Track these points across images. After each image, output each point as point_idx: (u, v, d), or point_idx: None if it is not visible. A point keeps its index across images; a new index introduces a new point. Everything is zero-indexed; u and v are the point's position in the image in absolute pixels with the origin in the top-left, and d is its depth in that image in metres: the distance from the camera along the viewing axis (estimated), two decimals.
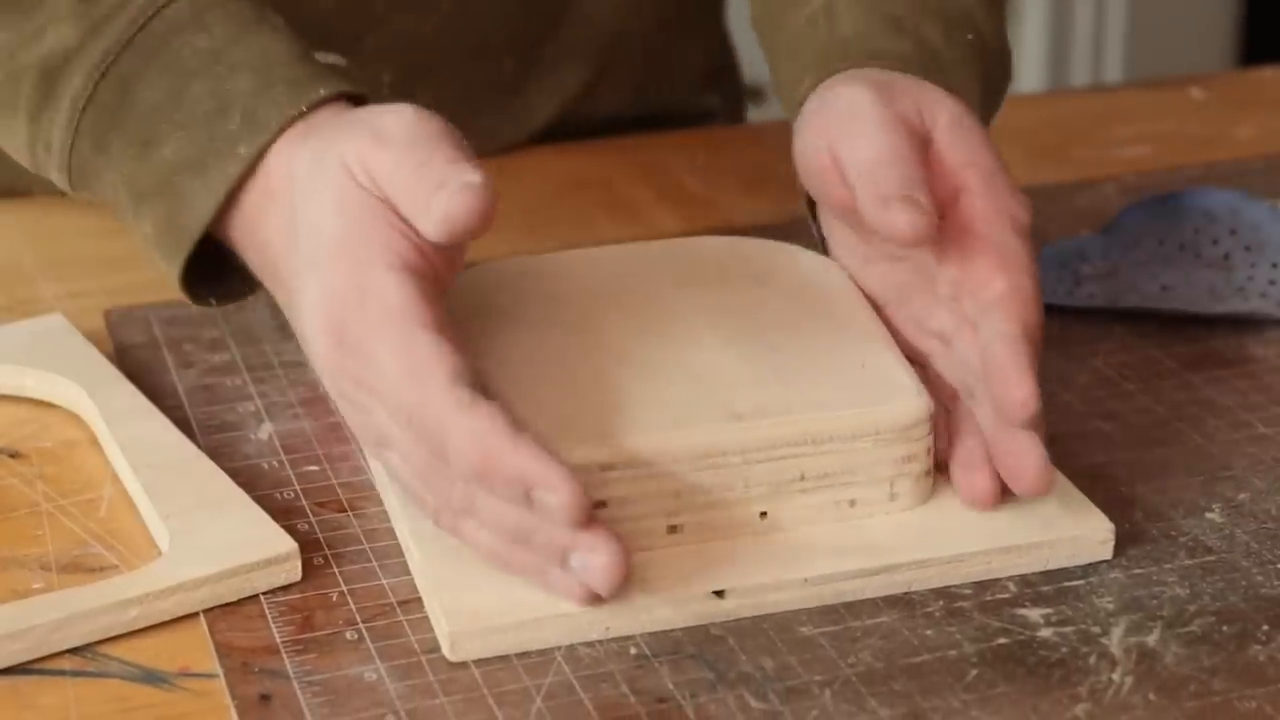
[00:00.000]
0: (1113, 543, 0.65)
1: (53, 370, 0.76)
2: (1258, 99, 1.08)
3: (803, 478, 0.65)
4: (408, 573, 0.65)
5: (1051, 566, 0.65)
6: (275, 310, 0.83)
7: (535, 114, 1.03)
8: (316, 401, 0.76)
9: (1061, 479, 0.67)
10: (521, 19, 1.00)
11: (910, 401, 0.65)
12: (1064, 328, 0.81)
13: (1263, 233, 0.86)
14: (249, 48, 0.70)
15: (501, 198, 0.95)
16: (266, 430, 0.74)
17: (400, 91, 0.88)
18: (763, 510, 0.65)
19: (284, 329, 0.81)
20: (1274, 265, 0.84)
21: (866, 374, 0.67)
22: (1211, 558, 0.66)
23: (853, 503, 0.65)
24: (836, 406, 0.65)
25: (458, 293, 0.71)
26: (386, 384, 0.61)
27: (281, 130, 0.68)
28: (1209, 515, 0.68)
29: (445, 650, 0.61)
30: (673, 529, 0.64)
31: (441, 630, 0.61)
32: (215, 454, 0.71)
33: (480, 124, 1.00)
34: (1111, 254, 0.86)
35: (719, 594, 0.62)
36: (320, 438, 0.73)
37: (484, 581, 0.62)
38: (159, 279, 0.87)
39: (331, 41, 0.84)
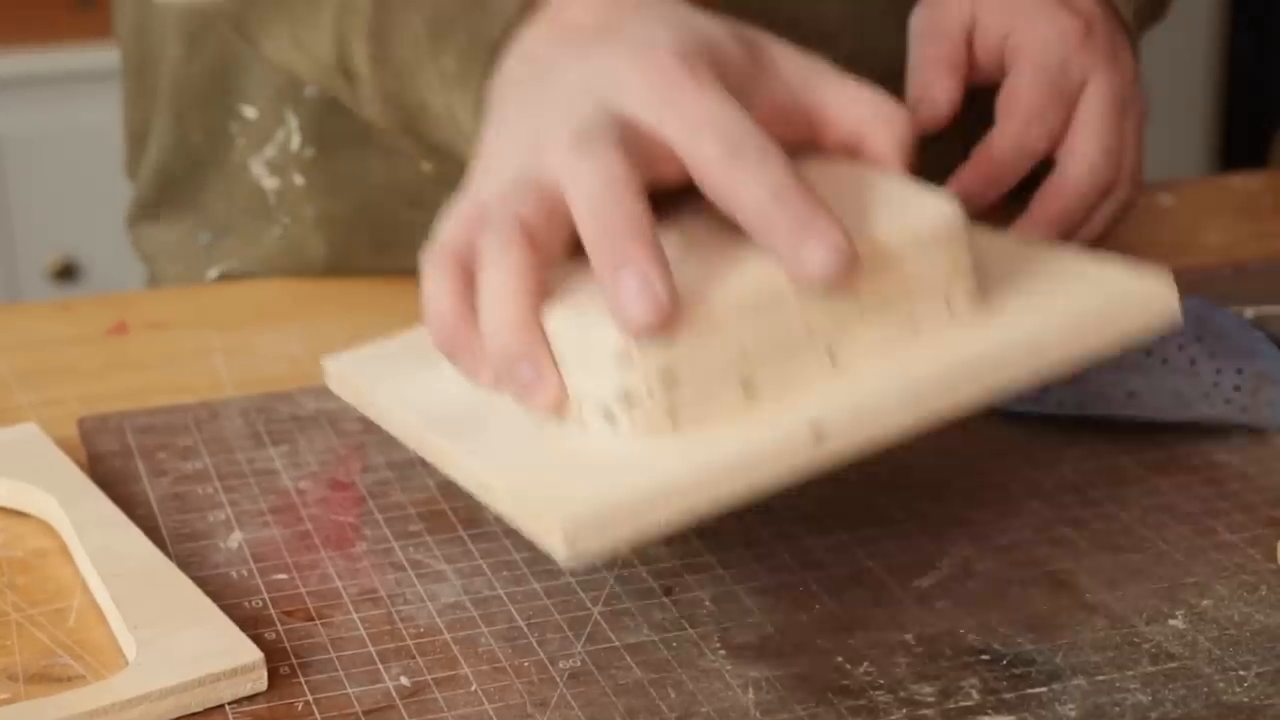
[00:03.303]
0: (1177, 305, 0.65)
1: (24, 479, 0.76)
2: (1226, 206, 1.09)
3: (860, 306, 0.63)
4: (373, 681, 0.65)
5: (1125, 339, 0.64)
6: (248, 418, 0.83)
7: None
8: (286, 510, 0.76)
9: (1105, 264, 0.67)
10: None
11: (944, 207, 0.65)
12: (1031, 434, 0.82)
13: (1229, 340, 0.87)
14: None
15: None
16: (236, 539, 0.74)
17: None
18: (830, 349, 0.63)
19: (256, 437, 0.82)
20: (1239, 371, 0.85)
21: (892, 196, 0.66)
22: (1174, 664, 0.66)
23: (915, 322, 0.64)
24: (876, 228, 0.64)
25: None
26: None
27: None
28: (1172, 622, 0.68)
29: (560, 550, 0.57)
30: (749, 390, 0.62)
31: (553, 533, 0.57)
32: (185, 563, 0.72)
33: None
34: None
35: (819, 436, 0.60)
36: (290, 546, 0.73)
37: (580, 483, 0.60)
38: (134, 387, 0.88)
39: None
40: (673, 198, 0.67)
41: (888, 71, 0.94)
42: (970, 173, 0.86)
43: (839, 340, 0.63)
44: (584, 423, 0.63)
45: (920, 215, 0.65)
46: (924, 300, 0.64)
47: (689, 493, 0.59)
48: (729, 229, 0.65)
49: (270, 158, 1.00)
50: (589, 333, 0.62)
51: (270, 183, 1.01)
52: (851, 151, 0.70)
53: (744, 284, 0.62)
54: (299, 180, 1.00)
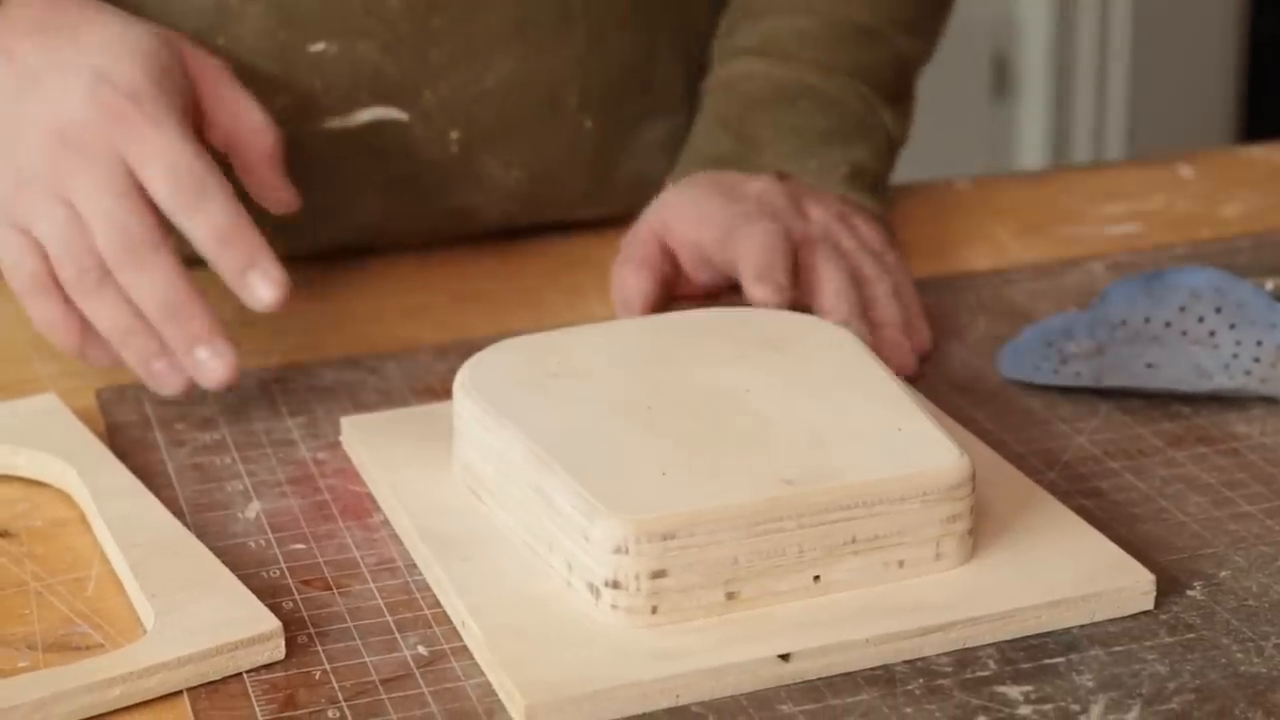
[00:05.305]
0: (1154, 594, 0.67)
1: (44, 449, 0.77)
2: (1246, 177, 1.09)
3: (854, 540, 0.66)
4: (391, 651, 0.65)
5: (1098, 619, 0.66)
6: (266, 389, 0.83)
7: (621, 182, 1.00)
8: (304, 480, 0.76)
9: (1099, 535, 0.69)
10: (596, 74, 0.97)
11: (954, 463, 0.67)
12: (1049, 406, 0.82)
13: (1248, 311, 0.86)
14: None
15: (492, 276, 0.95)
16: (254, 509, 0.74)
17: (468, 153, 0.95)
18: (816, 574, 0.66)
19: (274, 408, 0.82)
20: (1259, 343, 0.85)
21: (904, 437, 0.68)
22: (1192, 635, 0.66)
23: (901, 563, 0.67)
24: (884, 470, 0.66)
25: (482, 369, 0.73)
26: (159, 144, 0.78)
27: None
28: (1190, 593, 0.68)
29: None
30: (730, 595, 0.65)
31: (515, 704, 0.61)
32: (203, 532, 0.72)
33: (566, 193, 0.99)
34: (1097, 332, 0.87)
35: (784, 657, 0.63)
36: (307, 516, 0.74)
37: (551, 654, 0.63)
38: None
39: (389, 96, 0.92)
40: (672, 392, 0.71)
41: (549, 86, 0.95)
42: None
43: (827, 566, 0.66)
44: (568, 580, 0.66)
45: (929, 466, 0.67)
46: (915, 544, 0.67)
47: (652, 697, 0.62)
48: (731, 429, 0.68)
49: None
50: (593, 518, 0.64)
51: None
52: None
53: (750, 500, 0.65)
54: None
